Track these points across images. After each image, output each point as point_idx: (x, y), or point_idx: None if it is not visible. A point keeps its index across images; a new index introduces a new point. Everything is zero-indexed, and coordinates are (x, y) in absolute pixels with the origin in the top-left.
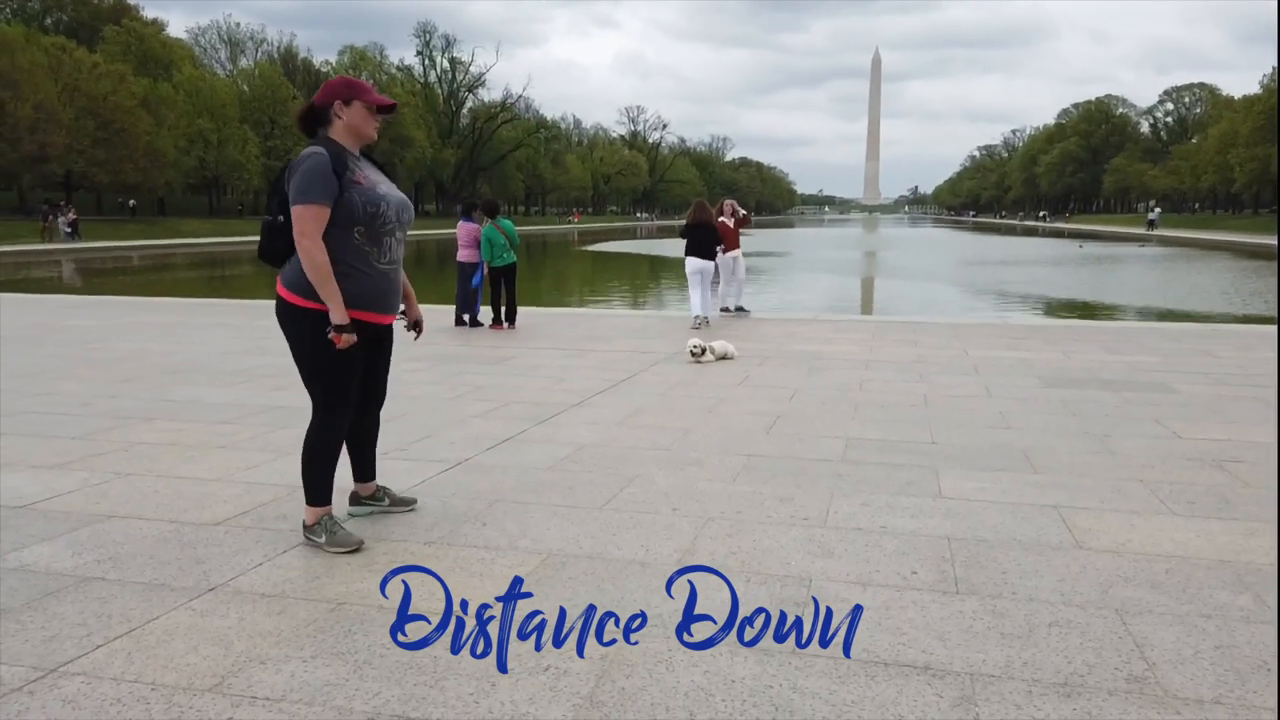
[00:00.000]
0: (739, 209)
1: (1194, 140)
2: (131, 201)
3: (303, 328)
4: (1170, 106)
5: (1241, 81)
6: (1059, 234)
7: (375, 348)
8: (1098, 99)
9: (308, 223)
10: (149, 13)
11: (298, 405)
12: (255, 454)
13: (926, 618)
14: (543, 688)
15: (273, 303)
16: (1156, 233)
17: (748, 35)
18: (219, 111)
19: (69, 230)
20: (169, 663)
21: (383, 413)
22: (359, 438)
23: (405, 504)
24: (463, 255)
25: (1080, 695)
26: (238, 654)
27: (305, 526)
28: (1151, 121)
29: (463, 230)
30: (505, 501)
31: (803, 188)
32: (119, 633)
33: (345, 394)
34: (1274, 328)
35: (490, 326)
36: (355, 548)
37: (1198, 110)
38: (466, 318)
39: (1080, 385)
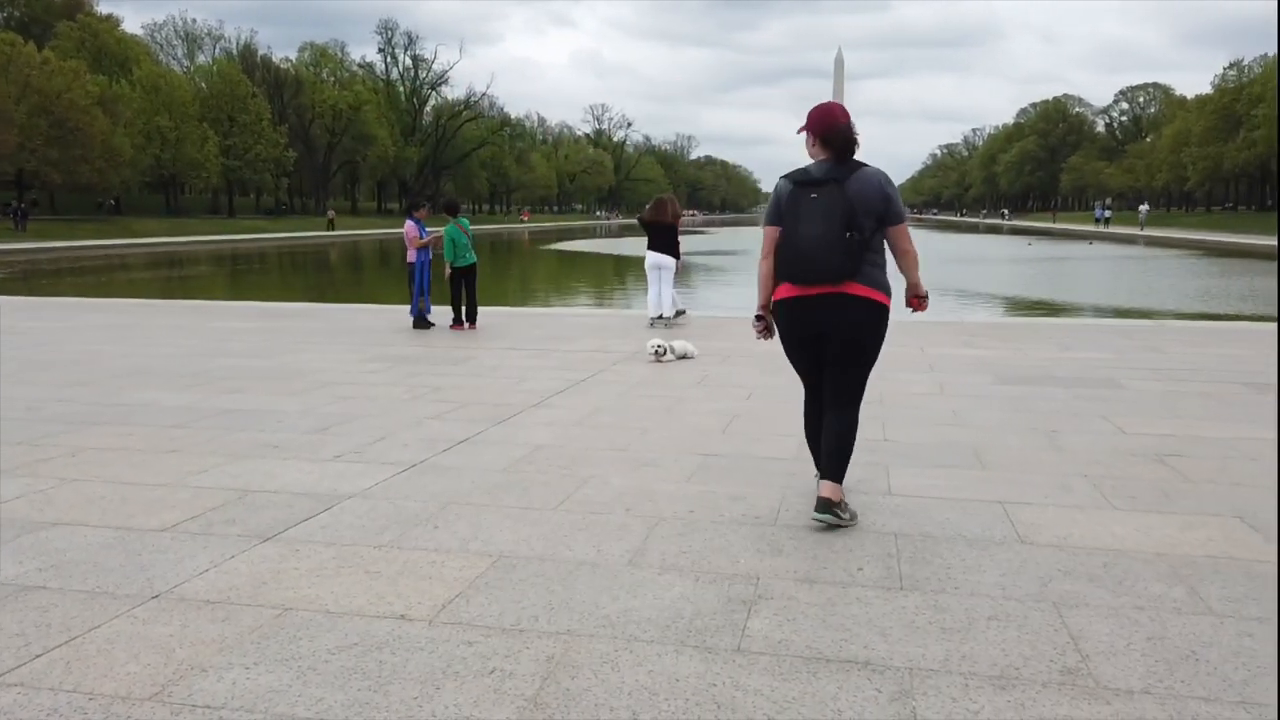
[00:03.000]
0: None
1: (1148, 139)
2: (111, 200)
3: (886, 324)
4: (1125, 106)
5: (1186, 81)
6: (1044, 233)
7: None
8: (1055, 98)
9: (909, 234)
10: (103, 8)
11: (250, 409)
12: (206, 458)
13: (869, 613)
14: (487, 690)
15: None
16: (1110, 230)
17: (704, 34)
18: (177, 109)
19: None
20: (108, 672)
21: (338, 415)
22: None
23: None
24: (410, 255)
25: (1015, 687)
26: (179, 662)
27: (833, 504)
28: (1107, 121)
29: (408, 229)
30: (458, 504)
31: (767, 186)
32: (58, 642)
33: None
34: (1221, 324)
35: (451, 327)
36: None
37: (1151, 110)
38: (429, 317)
39: (1032, 382)
